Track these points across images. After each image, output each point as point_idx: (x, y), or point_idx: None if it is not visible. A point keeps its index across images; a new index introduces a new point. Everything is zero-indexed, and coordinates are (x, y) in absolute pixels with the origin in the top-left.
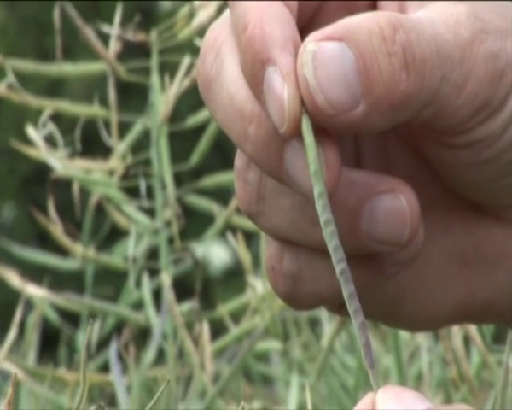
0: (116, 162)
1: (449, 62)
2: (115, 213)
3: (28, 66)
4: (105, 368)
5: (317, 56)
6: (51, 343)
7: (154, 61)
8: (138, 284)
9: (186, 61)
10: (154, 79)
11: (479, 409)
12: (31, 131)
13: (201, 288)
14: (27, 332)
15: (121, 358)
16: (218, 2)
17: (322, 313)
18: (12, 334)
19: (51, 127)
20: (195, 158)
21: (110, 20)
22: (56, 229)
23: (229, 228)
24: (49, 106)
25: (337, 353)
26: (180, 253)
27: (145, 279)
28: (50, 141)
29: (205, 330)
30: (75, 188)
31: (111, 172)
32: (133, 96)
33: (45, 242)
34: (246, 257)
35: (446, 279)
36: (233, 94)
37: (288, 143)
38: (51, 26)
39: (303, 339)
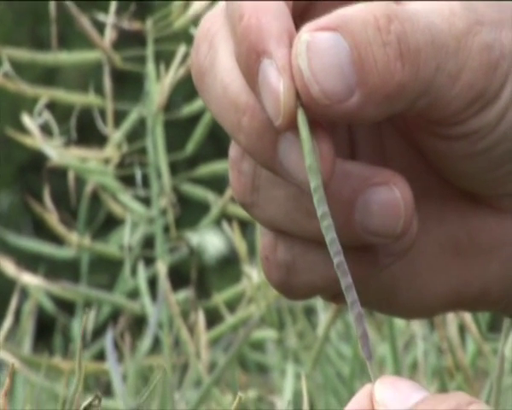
0: (111, 151)
1: (444, 52)
2: (111, 202)
3: (24, 54)
4: (101, 357)
5: (312, 47)
6: (46, 332)
7: (150, 50)
8: (134, 272)
9: (181, 49)
10: (150, 67)
11: (474, 397)
12: (26, 119)
13: (196, 276)
14: (23, 321)
15: (117, 346)
16: None
17: (318, 302)
18: (7, 322)
19: (47, 116)
20: (191, 147)
21: (106, 9)
22: (52, 217)
23: (225, 217)
24: (45, 94)
25: (332, 341)
26: (175, 241)
27: (141, 268)
28: (46, 129)
29: (200, 318)
30: (71, 176)
31: (106, 161)
32: (129, 85)
33: (40, 230)
34: (241, 246)
35: (440, 268)
36: (227, 85)
37: (282, 134)
38: (47, 15)
39: (298, 328)
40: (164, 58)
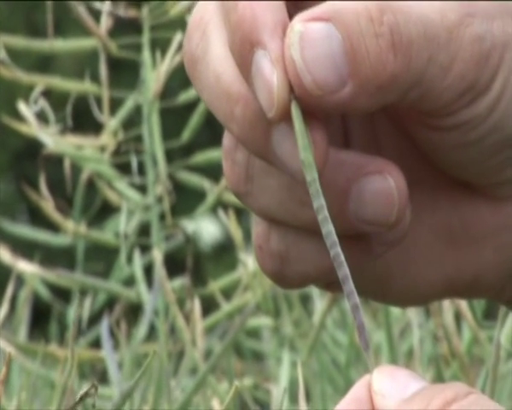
0: (107, 138)
1: (435, 44)
2: (106, 190)
3: (19, 42)
4: (96, 344)
5: (305, 37)
6: (42, 319)
7: (146, 38)
8: (130, 260)
9: (177, 37)
10: (146, 55)
11: (470, 385)
12: (22, 107)
13: (192, 264)
14: (18, 308)
15: (113, 334)
16: None
17: (314, 290)
18: (3, 310)
19: (42, 103)
20: (187, 134)
21: None
22: (47, 205)
23: (221, 204)
24: (41, 82)
25: (328, 329)
26: (171, 229)
27: (136, 255)
28: (42, 117)
29: (196, 306)
30: (66, 164)
31: (102, 149)
32: (124, 73)
33: (36, 218)
34: (237, 233)
35: (434, 256)
36: (219, 74)
37: (275, 124)
38: (42, 2)
39: (294, 315)
40: (160, 46)
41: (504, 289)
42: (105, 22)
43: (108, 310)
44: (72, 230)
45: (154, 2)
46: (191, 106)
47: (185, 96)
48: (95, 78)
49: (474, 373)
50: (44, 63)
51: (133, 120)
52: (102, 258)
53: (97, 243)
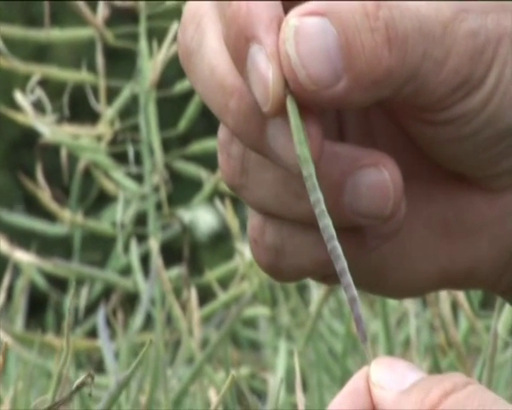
0: (104, 128)
1: (430, 39)
2: (103, 179)
3: (16, 31)
4: (93, 334)
5: (300, 31)
6: (39, 309)
7: (142, 27)
8: (126, 249)
9: (174, 26)
10: (142, 44)
11: (467, 375)
12: (19, 96)
13: (189, 253)
14: (15, 298)
15: (109, 323)
16: None
17: (311, 279)
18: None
19: (39, 93)
20: (183, 124)
21: None
22: (44, 194)
23: (217, 194)
24: (37, 71)
25: (325, 318)
26: (168, 218)
27: (133, 245)
28: (38, 106)
29: (193, 295)
30: (63, 153)
31: (99, 138)
32: (121, 62)
33: (32, 207)
34: (234, 223)
35: (429, 248)
36: (214, 66)
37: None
38: None
39: (291, 305)
40: (156, 35)
41: (500, 280)
42: (102, 12)
43: (105, 299)
44: (69, 219)
45: None
46: (188, 95)
47: (182, 86)
48: (91, 67)
49: (471, 363)
50: (41, 53)
51: (130, 110)
52: (99, 247)
53: (94, 232)
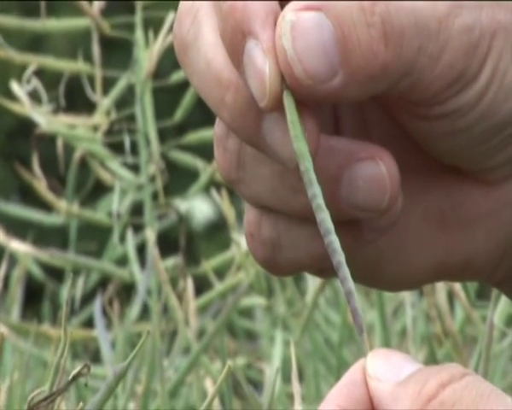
0: (100, 118)
1: (426, 34)
2: (99, 169)
3: (12, 22)
4: (89, 324)
5: (296, 26)
6: (35, 299)
7: (138, 17)
8: (122, 239)
9: (170, 17)
10: (139, 34)
11: (463, 365)
12: (15, 86)
13: (185, 243)
14: (11, 288)
15: (105, 313)
16: None
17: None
18: None
19: (35, 83)
20: (180, 114)
21: None
22: (40, 184)
23: (213, 184)
24: (34, 61)
25: (321, 308)
26: (164, 208)
27: (129, 235)
28: (34, 96)
29: (189, 285)
30: (59, 143)
31: (95, 128)
32: (117, 52)
33: (27, 196)
34: (230, 213)
35: (425, 240)
36: (210, 60)
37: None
38: None
39: (287, 295)
40: (152, 25)
41: (495, 271)
42: (98, 2)
43: (101, 289)
44: (65, 209)
45: None
46: (184, 85)
47: (178, 76)
48: (87, 57)
49: (467, 353)
50: (37, 43)
51: (126, 100)
52: (95, 237)
53: (90, 222)
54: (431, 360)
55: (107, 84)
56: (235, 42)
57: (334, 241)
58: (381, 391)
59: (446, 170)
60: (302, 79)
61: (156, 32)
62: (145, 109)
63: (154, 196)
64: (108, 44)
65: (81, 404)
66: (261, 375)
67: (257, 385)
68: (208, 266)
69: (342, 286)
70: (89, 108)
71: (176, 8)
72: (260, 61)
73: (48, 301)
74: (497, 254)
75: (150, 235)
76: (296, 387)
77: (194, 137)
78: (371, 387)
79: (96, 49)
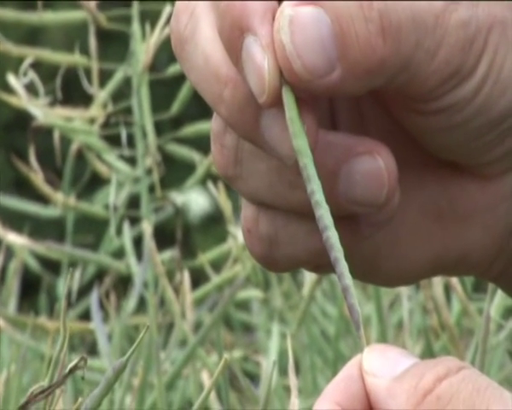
0: (97, 110)
1: (423, 29)
2: (96, 162)
3: (9, 14)
4: (86, 316)
5: (294, 21)
6: (32, 291)
7: (135, 10)
8: (119, 232)
9: (167, 9)
10: (135, 27)
11: (460, 357)
12: (12, 79)
13: (181, 236)
14: (8, 280)
15: (102, 306)
16: None
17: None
18: None
19: (32, 75)
20: (176, 106)
21: None
22: (37, 177)
23: (210, 176)
24: (30, 54)
25: (318, 301)
26: (161, 201)
27: (126, 227)
28: (31, 89)
29: (186, 278)
30: (56, 136)
31: (92, 121)
32: (114, 45)
33: (23, 189)
34: (226, 206)
35: (421, 235)
36: (208, 55)
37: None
38: None
39: (284, 288)
40: (149, 18)
41: (492, 266)
42: None
43: (98, 282)
44: (62, 202)
45: None
46: (181, 78)
47: (175, 69)
48: (84, 50)
49: (464, 345)
50: (34, 36)
51: (122, 92)
52: (92, 230)
53: (87, 215)
54: (427, 352)
55: (104, 77)
56: (234, 38)
57: (331, 237)
58: (378, 387)
59: (443, 165)
60: (301, 73)
61: (153, 25)
62: (142, 102)
63: (151, 189)
64: (105, 37)
65: (80, 399)
66: (258, 368)
67: (253, 378)
68: (205, 258)
69: (339, 282)
70: (85, 100)
71: (173, 1)
72: (259, 57)
73: (44, 293)
74: (493, 248)
75: (147, 227)
76: (293, 380)
77: (190, 129)
78: (367, 383)
79: (92, 42)
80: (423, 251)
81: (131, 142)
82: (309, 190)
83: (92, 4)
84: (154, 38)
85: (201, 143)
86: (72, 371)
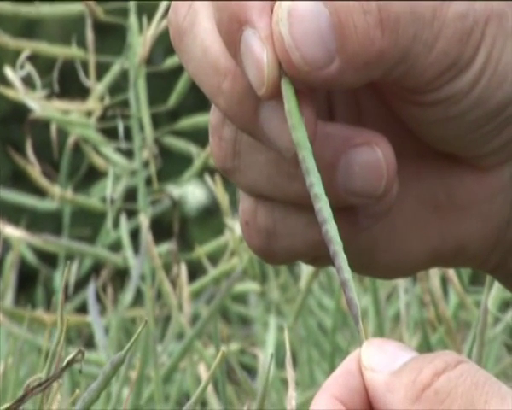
0: (94, 103)
1: (420, 21)
2: (93, 154)
3: (6, 7)
4: (83, 309)
5: (293, 13)
6: (29, 284)
7: (132, 3)
8: (116, 224)
9: (164, 2)
10: (132, 20)
11: (457, 350)
12: (9, 72)
13: (178, 229)
14: (5, 273)
15: (99, 299)
16: None
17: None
18: None
19: (29, 68)
20: (173, 99)
21: None
22: (34, 170)
23: (207, 169)
24: (27, 47)
25: (315, 294)
26: (158, 194)
27: (123, 220)
28: (28, 82)
29: (183, 271)
30: (53, 129)
31: (89, 113)
32: (111, 38)
33: (20, 182)
34: (223, 198)
35: (419, 226)
36: (207, 47)
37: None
38: None
39: (281, 280)
40: (146, 11)
41: (489, 258)
42: None
43: (95, 275)
44: (59, 195)
45: None
46: (178, 71)
47: (171, 61)
48: (81, 43)
49: (461, 338)
50: (31, 28)
51: (119, 85)
52: (89, 223)
53: (84, 207)
54: (424, 345)
55: (101, 70)
56: (232, 31)
57: (330, 230)
58: (376, 381)
59: (440, 156)
60: (299, 65)
61: (150, 18)
62: (139, 95)
63: (148, 182)
64: (102, 30)
65: (77, 392)
66: (255, 360)
67: (251, 371)
68: (202, 251)
69: (338, 276)
70: (82, 93)
71: None
72: (258, 50)
73: (41, 286)
74: (490, 240)
75: (144, 220)
76: (290, 372)
77: (187, 122)
78: (366, 377)
79: (89, 35)
80: (421, 242)
81: (128, 135)
82: (308, 183)
83: None
84: (151, 30)
85: (198, 136)
86: (69, 364)
